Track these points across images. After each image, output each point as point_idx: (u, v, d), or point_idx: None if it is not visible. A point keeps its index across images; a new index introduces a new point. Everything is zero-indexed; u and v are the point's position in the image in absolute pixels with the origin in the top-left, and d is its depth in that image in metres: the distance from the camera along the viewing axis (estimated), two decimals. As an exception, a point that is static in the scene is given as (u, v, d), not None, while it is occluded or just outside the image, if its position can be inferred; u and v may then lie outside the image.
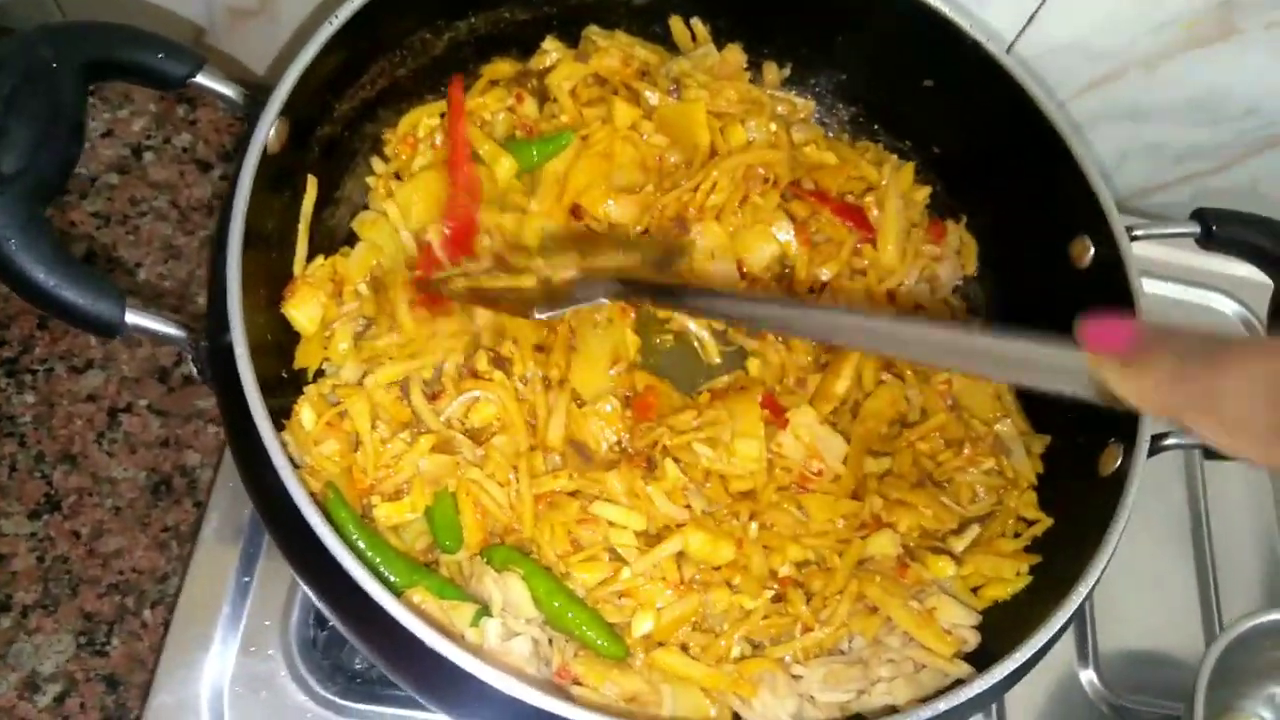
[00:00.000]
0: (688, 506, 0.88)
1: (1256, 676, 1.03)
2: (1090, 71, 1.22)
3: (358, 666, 0.94)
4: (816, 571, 0.88)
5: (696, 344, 1.02)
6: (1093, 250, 0.96)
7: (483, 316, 0.91)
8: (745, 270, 1.04)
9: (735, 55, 1.10)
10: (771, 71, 1.13)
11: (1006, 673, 0.74)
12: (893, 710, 0.78)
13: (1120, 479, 0.83)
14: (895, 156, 1.13)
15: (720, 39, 1.10)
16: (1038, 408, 1.01)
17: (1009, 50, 1.14)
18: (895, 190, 1.09)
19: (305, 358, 0.87)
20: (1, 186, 0.64)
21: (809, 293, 1.05)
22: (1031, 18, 1.13)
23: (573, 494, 0.86)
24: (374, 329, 0.90)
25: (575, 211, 1.00)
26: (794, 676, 0.84)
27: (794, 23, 1.10)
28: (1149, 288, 0.91)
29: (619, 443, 0.91)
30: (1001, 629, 0.85)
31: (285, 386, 0.85)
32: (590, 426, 0.90)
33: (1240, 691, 1.03)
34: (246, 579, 0.94)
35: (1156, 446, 0.86)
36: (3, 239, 0.63)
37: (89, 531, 0.97)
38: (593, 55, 1.04)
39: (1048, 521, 0.94)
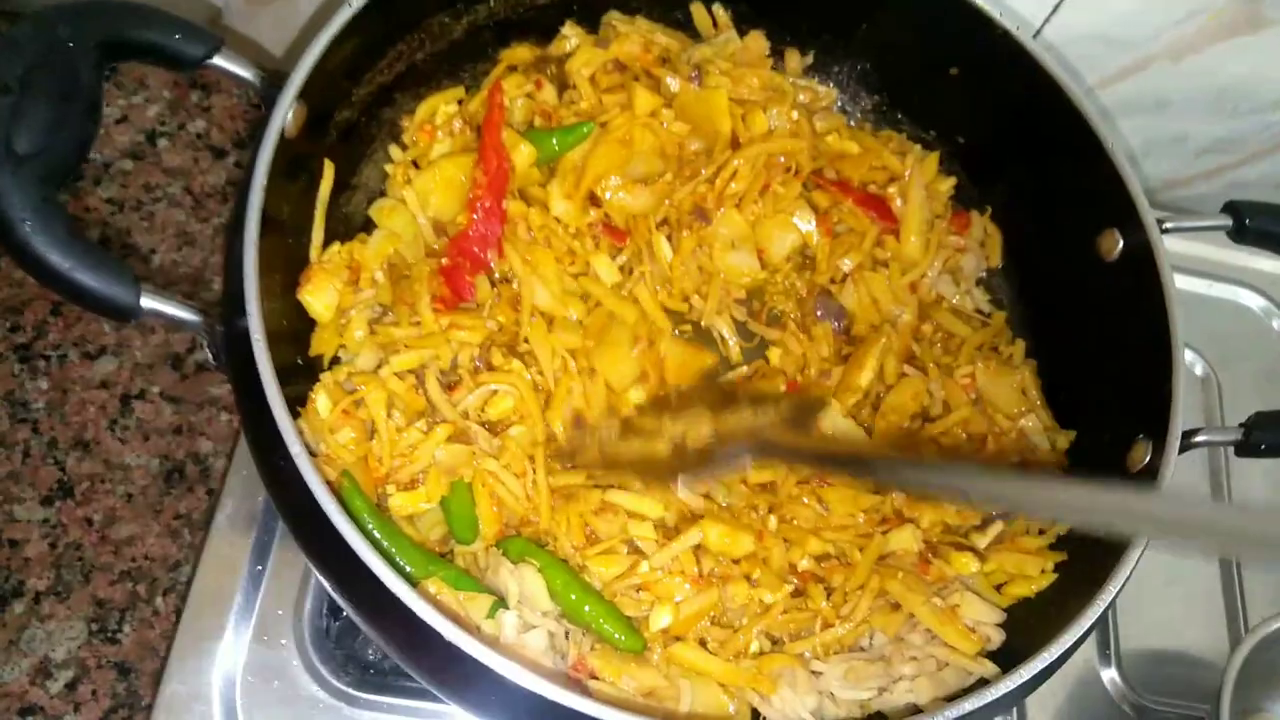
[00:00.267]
0: (706, 496, 0.87)
1: (1281, 678, 1.01)
2: (1114, 62, 1.20)
3: (371, 657, 0.93)
4: (837, 566, 0.87)
5: (718, 339, 1.01)
6: (1121, 243, 0.95)
7: (501, 314, 0.90)
8: (765, 260, 1.02)
9: (758, 42, 1.08)
10: (794, 59, 1.12)
11: (1033, 673, 0.73)
12: (916, 710, 0.77)
13: (1150, 475, 0.82)
14: (919, 146, 1.12)
15: (742, 25, 1.09)
16: (1063, 403, 0.99)
17: (1034, 38, 1.12)
18: (919, 181, 1.07)
19: (321, 344, 0.86)
20: (16, 167, 0.63)
21: (830, 283, 1.03)
22: (1056, 7, 1.11)
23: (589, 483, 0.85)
24: (390, 316, 0.89)
25: (593, 199, 0.98)
26: (814, 673, 0.83)
27: (817, 9, 1.08)
28: (1175, 283, 0.89)
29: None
30: (1026, 627, 0.84)
31: (300, 374, 0.84)
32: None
33: (1265, 693, 1.02)
34: (259, 567, 0.94)
35: (1187, 443, 0.85)
36: (18, 220, 0.62)
37: (101, 518, 0.97)
38: (613, 41, 1.02)
39: (1073, 519, 0.92)
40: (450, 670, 0.70)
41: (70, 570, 0.94)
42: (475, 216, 0.92)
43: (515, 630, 0.77)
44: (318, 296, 0.84)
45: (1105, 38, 1.17)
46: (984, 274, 1.10)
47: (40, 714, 0.89)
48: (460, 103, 0.99)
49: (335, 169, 0.89)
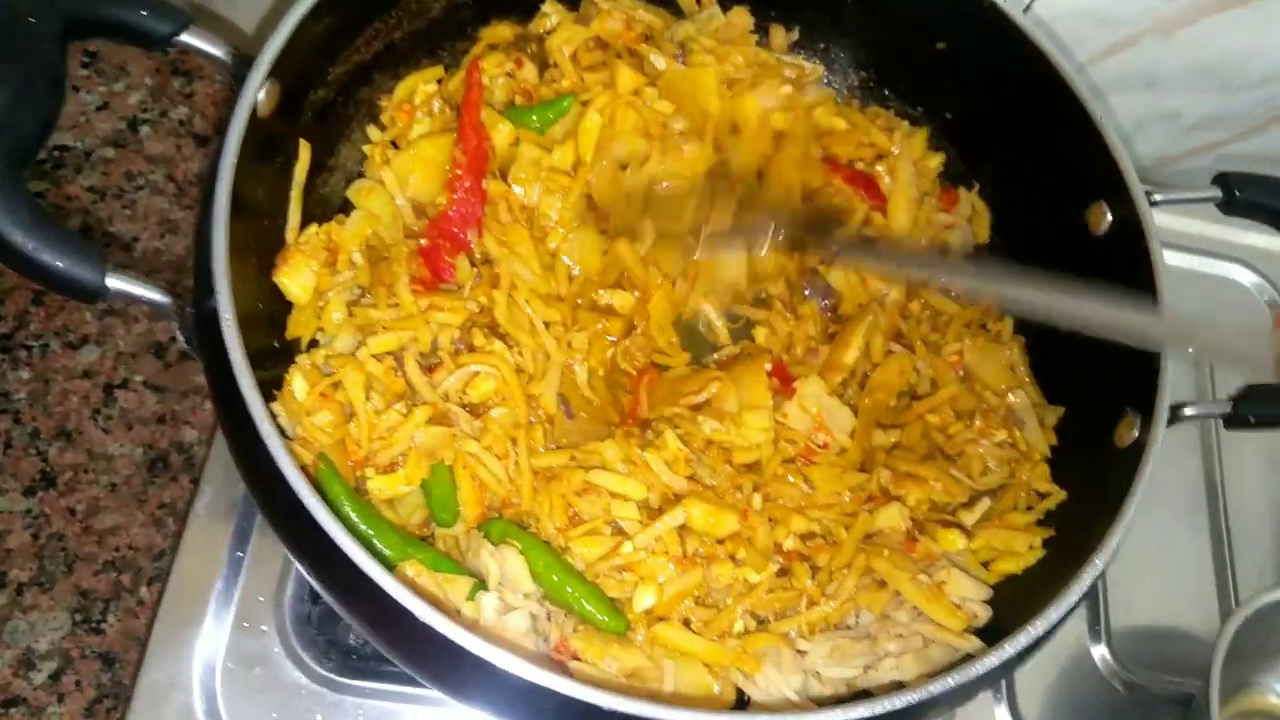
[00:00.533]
0: (691, 477, 0.86)
1: (1272, 652, 1.01)
2: (1104, 38, 1.19)
3: (353, 642, 0.92)
4: (823, 545, 0.86)
5: (703, 327, 1.00)
6: (1109, 216, 0.94)
7: (482, 295, 0.89)
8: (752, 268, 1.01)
9: (742, 18, 1.07)
10: (779, 35, 1.11)
11: (1019, 648, 0.72)
12: (900, 686, 0.76)
13: (1138, 450, 0.81)
14: (906, 123, 1.10)
15: (726, 1, 1.07)
16: (1051, 378, 0.99)
17: (1025, 13, 1.11)
18: (907, 158, 1.06)
19: (298, 327, 0.85)
20: (-23, 147, 0.62)
21: (818, 262, 1.02)
22: (1045, -20, 1.10)
23: (570, 462, 0.84)
24: (369, 298, 0.88)
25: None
26: (799, 652, 0.82)
27: (802, -18, 1.07)
28: (1165, 259, 0.88)
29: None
30: (1013, 604, 0.83)
31: (278, 358, 0.83)
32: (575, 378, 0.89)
33: (1256, 667, 1.01)
34: (240, 554, 0.93)
35: (1175, 416, 0.84)
36: (-22, 200, 0.61)
37: (85, 508, 0.96)
38: (594, 18, 1.01)
39: (1061, 494, 0.91)
40: (430, 654, 0.69)
41: (53, 561, 0.93)
42: (455, 197, 0.91)
43: (495, 612, 0.76)
44: (294, 278, 0.83)
45: (1095, 13, 1.15)
46: (972, 250, 1.09)
47: (23, 705, 0.88)
48: (439, 82, 0.98)
49: (311, 149, 0.88)
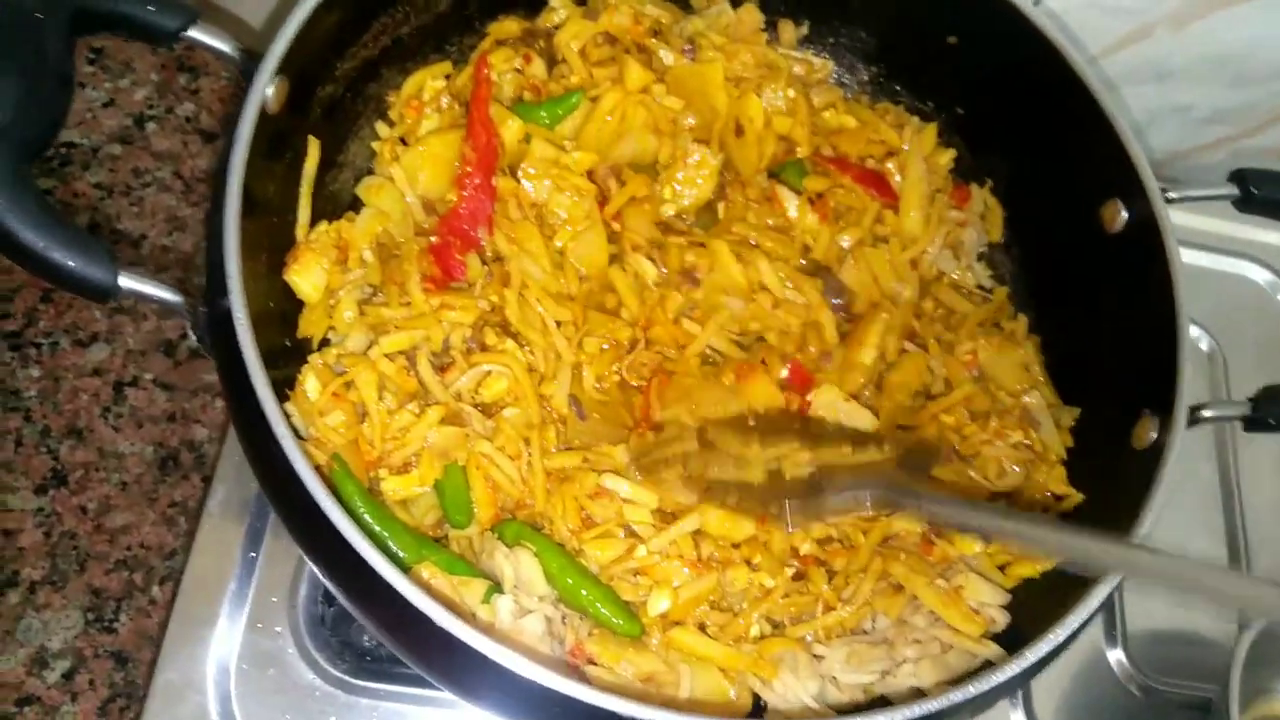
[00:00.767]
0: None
1: (1290, 658, 1.00)
2: (1115, 31, 1.18)
3: (367, 644, 0.92)
4: (839, 549, 0.86)
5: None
6: (1124, 214, 0.93)
7: (493, 293, 0.88)
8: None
9: (751, 14, 1.06)
10: (788, 30, 1.10)
11: (1040, 655, 0.71)
12: (920, 693, 0.75)
13: (1156, 452, 0.80)
14: (917, 119, 1.10)
15: (736, -3, 1.07)
16: (1067, 379, 0.98)
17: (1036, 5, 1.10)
18: (918, 154, 1.05)
19: (309, 326, 0.84)
20: (-14, 144, 0.61)
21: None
22: (1055, -27, 1.09)
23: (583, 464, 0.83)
24: (380, 296, 0.87)
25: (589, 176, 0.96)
26: (816, 657, 0.82)
27: (812, -24, 1.06)
28: (1179, 253, 0.87)
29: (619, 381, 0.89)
30: (1031, 609, 0.82)
31: (289, 356, 0.82)
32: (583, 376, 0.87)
33: (1274, 673, 1.00)
34: (253, 554, 0.92)
35: (1194, 418, 0.83)
36: (-11, 198, 0.61)
37: (96, 507, 0.95)
38: (602, 12, 1.00)
39: (1078, 497, 0.91)
40: (445, 657, 0.68)
41: (65, 559, 0.93)
42: (465, 194, 0.90)
43: (511, 615, 0.75)
44: (305, 276, 0.83)
45: (1106, 6, 1.14)
46: (985, 248, 1.08)
47: (38, 704, 0.88)
48: (448, 78, 0.98)
49: (321, 146, 0.87)
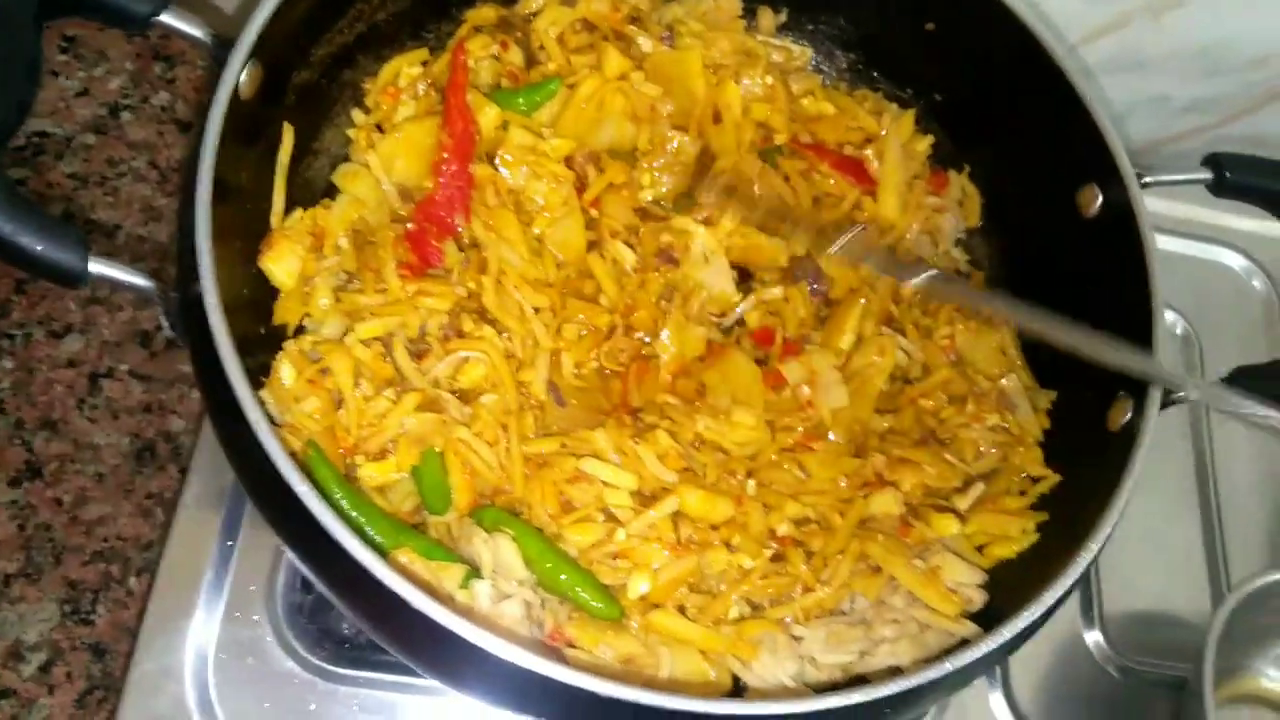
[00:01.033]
0: (686, 469, 0.85)
1: (1264, 637, 1.01)
2: (1093, 19, 1.19)
3: (346, 631, 0.92)
4: (817, 531, 0.86)
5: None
6: (1101, 198, 0.94)
7: (470, 280, 0.88)
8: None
9: (730, 1, 1.07)
10: (767, 16, 1.10)
11: (1015, 632, 0.72)
12: (897, 671, 0.76)
13: (1131, 433, 0.81)
14: (895, 105, 1.10)
15: (714, -16, 1.07)
16: (1043, 362, 0.98)
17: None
18: (896, 141, 1.05)
19: (284, 313, 0.84)
20: (-46, 130, 0.60)
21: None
22: (1032, -39, 1.10)
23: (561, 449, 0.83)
24: (356, 283, 0.87)
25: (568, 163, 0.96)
26: (795, 638, 0.82)
27: (790, -37, 1.06)
28: (1155, 238, 0.88)
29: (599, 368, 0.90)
30: (1008, 588, 0.83)
31: (264, 344, 0.82)
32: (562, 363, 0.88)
33: (1248, 651, 1.02)
34: (230, 544, 0.92)
35: (1168, 399, 0.84)
36: (-44, 185, 0.60)
37: (71, 499, 0.95)
38: (580, 0, 1.00)
39: (1054, 478, 0.91)
40: (424, 642, 0.68)
41: (41, 552, 0.92)
42: (441, 181, 0.89)
43: (489, 600, 0.75)
44: (280, 263, 0.82)
45: (1083, -6, 1.15)
46: (963, 234, 1.09)
47: (14, 697, 0.87)
48: (424, 64, 0.97)
49: (295, 133, 0.87)
